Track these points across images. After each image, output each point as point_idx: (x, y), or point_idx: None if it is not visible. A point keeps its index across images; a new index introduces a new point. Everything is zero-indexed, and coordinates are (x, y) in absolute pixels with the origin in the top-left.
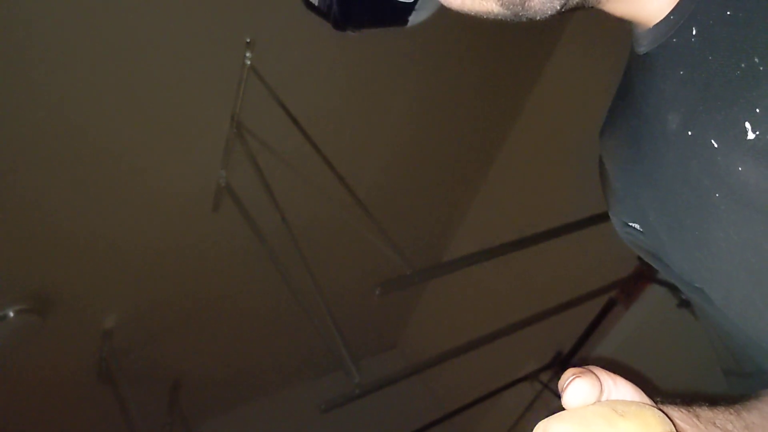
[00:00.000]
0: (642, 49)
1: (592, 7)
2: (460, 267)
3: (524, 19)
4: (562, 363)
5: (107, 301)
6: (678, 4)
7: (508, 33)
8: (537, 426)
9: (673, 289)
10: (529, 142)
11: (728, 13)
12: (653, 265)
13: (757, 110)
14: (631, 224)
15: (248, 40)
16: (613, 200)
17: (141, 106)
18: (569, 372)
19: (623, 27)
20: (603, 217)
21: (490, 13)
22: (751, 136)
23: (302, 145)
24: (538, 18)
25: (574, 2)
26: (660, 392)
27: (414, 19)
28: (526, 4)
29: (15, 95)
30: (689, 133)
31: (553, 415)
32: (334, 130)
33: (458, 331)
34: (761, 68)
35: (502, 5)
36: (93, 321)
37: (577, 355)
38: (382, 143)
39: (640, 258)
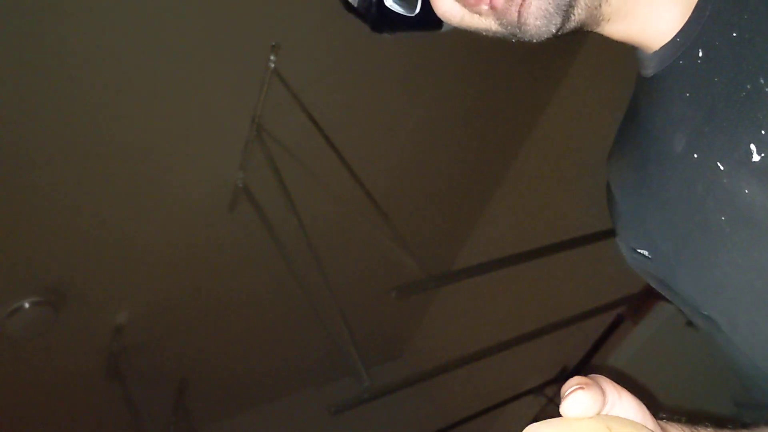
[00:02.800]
0: (648, 72)
1: (590, 30)
2: (475, 274)
3: (522, 39)
4: (567, 378)
5: (120, 298)
6: (684, 26)
7: (527, 53)
8: (526, 428)
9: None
10: (542, 156)
11: (734, 34)
12: (662, 293)
13: (762, 132)
14: (639, 250)
15: (273, 44)
16: (621, 225)
17: (163, 105)
18: (574, 380)
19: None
20: (613, 233)
21: (488, 30)
22: (756, 158)
23: (322, 149)
24: (534, 41)
25: (571, 26)
26: (665, 409)
27: (448, 25)
28: (522, 27)
29: (47, 93)
30: (695, 155)
31: (543, 421)
32: (353, 135)
33: (465, 341)
34: (767, 89)
35: (500, 24)
36: (105, 317)
37: (583, 370)
38: (400, 151)
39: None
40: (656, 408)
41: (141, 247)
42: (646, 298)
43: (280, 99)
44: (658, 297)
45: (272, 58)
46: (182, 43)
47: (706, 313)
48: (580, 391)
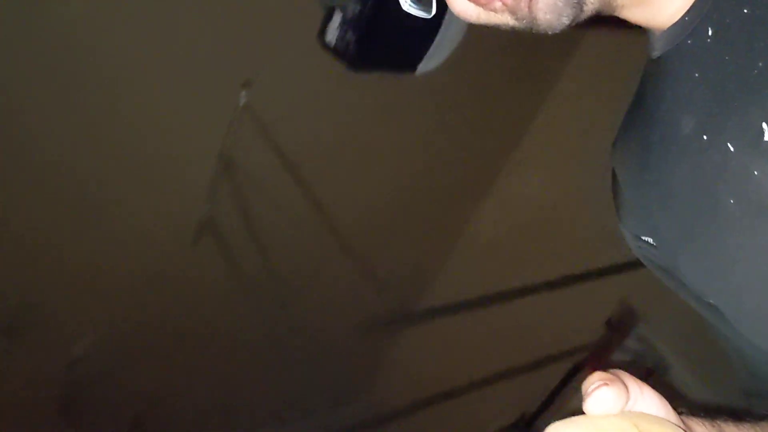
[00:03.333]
0: (656, 53)
1: (608, 15)
2: (445, 314)
3: (539, 32)
4: (526, 425)
5: (77, 329)
6: (693, 5)
7: (496, 92)
8: (549, 427)
9: (640, 356)
10: (511, 201)
11: (746, 11)
12: (666, 283)
13: None
14: (643, 238)
15: (246, 79)
16: (625, 212)
17: (127, 133)
18: (596, 376)
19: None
20: (576, 278)
21: (506, 25)
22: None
23: (291, 185)
24: (550, 33)
25: (586, 15)
26: (684, 404)
27: (423, 67)
28: (536, 20)
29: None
30: (704, 136)
31: (567, 419)
32: (324, 170)
33: (426, 383)
34: None
35: (516, 19)
36: (61, 348)
37: (541, 417)
38: (371, 187)
39: (608, 323)
40: (676, 403)
41: (100, 277)
42: (604, 347)
43: (250, 133)
44: (616, 346)
45: (244, 93)
46: (151, 71)
47: (711, 301)
48: (604, 387)
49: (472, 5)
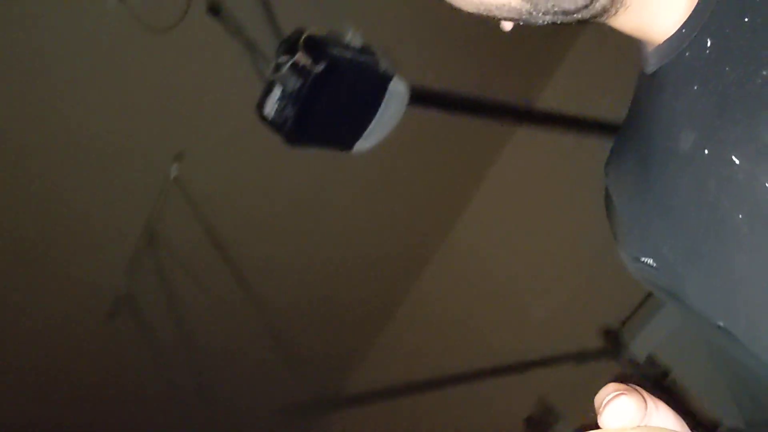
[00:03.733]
0: (650, 68)
1: (603, 23)
2: (369, 401)
3: (542, 15)
4: None
5: None
6: (691, 15)
7: (426, 179)
8: None
9: None
10: (430, 296)
11: (746, 20)
12: (669, 305)
13: None
14: (642, 259)
15: (178, 152)
16: (622, 234)
17: (49, 197)
18: (611, 387)
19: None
20: (498, 371)
21: (505, 4)
22: None
23: (218, 262)
24: (569, 7)
25: (596, 8)
26: (700, 424)
27: (360, 146)
28: None
29: None
30: (705, 151)
31: None
32: (253, 250)
33: None
34: None
35: None
36: None
37: None
38: (300, 269)
39: (527, 420)
40: (691, 422)
41: (7, 353)
42: None
43: (179, 207)
44: None
45: (175, 166)
46: (82, 138)
47: (720, 323)
48: (623, 397)
49: None
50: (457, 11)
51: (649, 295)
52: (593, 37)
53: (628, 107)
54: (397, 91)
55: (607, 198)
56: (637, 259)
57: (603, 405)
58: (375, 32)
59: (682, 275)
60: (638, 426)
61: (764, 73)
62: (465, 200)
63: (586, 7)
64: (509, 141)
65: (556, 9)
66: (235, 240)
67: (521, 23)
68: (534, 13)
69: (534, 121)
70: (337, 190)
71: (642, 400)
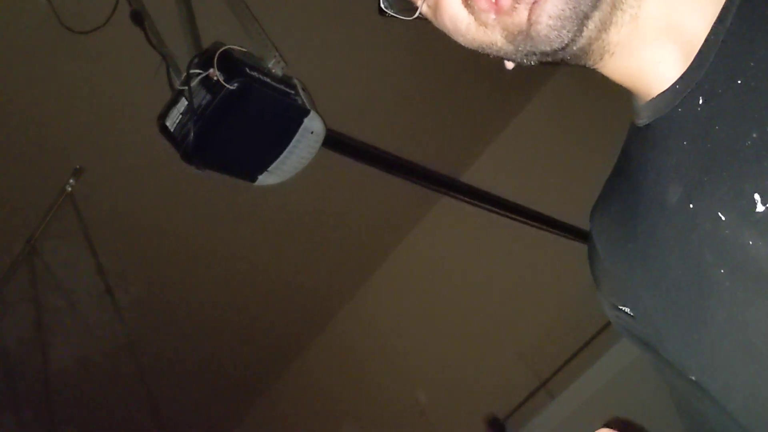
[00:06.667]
0: (642, 121)
1: (592, 68)
2: None
3: (526, 57)
4: None
5: None
6: (685, 72)
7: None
8: None
9: None
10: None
11: (739, 82)
12: (644, 355)
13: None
14: (620, 307)
15: (77, 167)
16: (603, 281)
17: None
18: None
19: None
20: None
21: (492, 45)
22: (760, 208)
23: (97, 285)
24: (533, 62)
25: (579, 46)
26: None
27: (263, 179)
28: (532, 28)
29: None
30: (691, 205)
31: None
32: (140, 281)
33: None
34: None
35: (506, 36)
36: None
37: None
38: (186, 304)
39: None
40: None
41: None
42: None
43: (67, 225)
44: None
45: (71, 181)
46: None
47: (693, 377)
48: None
49: (464, 12)
50: (405, 69)
51: (538, 388)
52: (523, 124)
53: (618, 156)
54: (313, 127)
55: (591, 243)
56: (615, 307)
57: None
58: (306, 66)
59: (659, 326)
60: None
61: (754, 135)
62: (371, 268)
63: (563, 48)
64: (428, 212)
65: (534, 50)
66: (118, 273)
67: (516, 62)
68: (517, 53)
69: (454, 193)
70: (239, 229)
71: None
